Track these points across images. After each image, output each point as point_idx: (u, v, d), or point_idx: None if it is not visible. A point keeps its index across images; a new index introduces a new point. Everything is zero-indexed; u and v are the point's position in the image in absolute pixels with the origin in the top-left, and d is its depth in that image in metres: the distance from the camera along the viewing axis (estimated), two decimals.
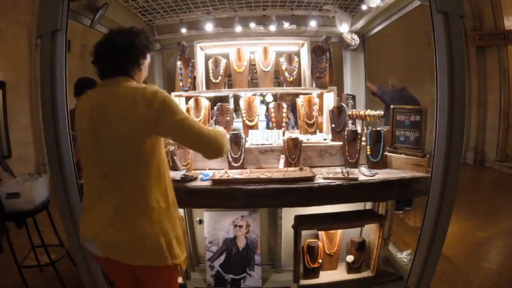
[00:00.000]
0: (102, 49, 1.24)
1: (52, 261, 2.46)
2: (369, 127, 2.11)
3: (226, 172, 1.94)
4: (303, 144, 2.07)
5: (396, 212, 3.76)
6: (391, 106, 2.17)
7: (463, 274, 2.55)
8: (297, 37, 2.83)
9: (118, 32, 1.25)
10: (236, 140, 2.06)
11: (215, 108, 2.50)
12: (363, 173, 1.89)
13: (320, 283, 2.06)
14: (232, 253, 2.11)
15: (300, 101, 2.50)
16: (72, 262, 2.63)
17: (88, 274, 1.78)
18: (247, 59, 2.43)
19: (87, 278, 1.78)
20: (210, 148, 1.23)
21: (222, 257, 2.12)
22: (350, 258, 2.08)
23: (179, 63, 2.43)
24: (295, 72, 2.42)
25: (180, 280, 2.05)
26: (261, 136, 2.26)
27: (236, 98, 4.76)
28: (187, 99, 2.52)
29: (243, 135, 2.08)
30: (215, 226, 2.12)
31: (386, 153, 2.09)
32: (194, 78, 2.44)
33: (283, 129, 2.41)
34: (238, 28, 4.22)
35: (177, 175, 1.88)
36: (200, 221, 2.23)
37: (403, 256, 2.42)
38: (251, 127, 2.43)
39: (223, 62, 2.41)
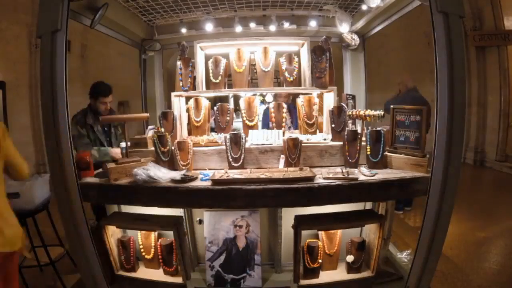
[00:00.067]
0: None
1: (52, 261, 2.47)
2: (369, 127, 2.10)
3: (226, 172, 1.94)
4: (303, 144, 2.07)
5: (396, 212, 3.76)
6: (391, 106, 2.17)
7: (463, 274, 2.55)
8: (297, 37, 2.83)
9: None
10: (236, 140, 2.06)
11: (215, 108, 2.50)
12: (363, 173, 1.89)
13: (320, 283, 2.06)
14: (232, 253, 2.11)
15: (300, 101, 2.50)
16: (72, 262, 2.64)
17: (88, 274, 1.78)
18: (247, 59, 2.42)
19: (87, 278, 1.79)
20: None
21: (222, 257, 2.12)
22: (350, 258, 2.08)
23: (179, 63, 2.43)
24: (295, 72, 2.42)
25: (180, 280, 2.06)
26: (261, 136, 2.26)
27: (236, 98, 4.77)
28: (187, 99, 2.52)
29: (243, 135, 2.08)
30: (215, 226, 2.12)
31: (386, 153, 2.09)
32: (194, 78, 2.44)
33: (283, 129, 2.41)
34: (238, 28, 4.22)
35: (177, 175, 1.88)
36: (200, 221, 2.23)
37: (403, 256, 2.42)
38: (251, 127, 2.43)
39: (223, 62, 2.41)
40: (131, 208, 2.19)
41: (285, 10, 4.14)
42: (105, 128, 2.82)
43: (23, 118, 5.52)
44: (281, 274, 2.22)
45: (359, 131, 2.11)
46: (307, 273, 2.07)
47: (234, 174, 1.91)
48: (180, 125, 2.43)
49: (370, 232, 2.14)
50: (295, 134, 2.40)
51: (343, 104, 2.34)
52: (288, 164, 2.03)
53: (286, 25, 4.22)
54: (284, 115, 2.48)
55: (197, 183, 1.82)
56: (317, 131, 2.48)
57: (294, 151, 2.04)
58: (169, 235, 2.08)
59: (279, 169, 2.02)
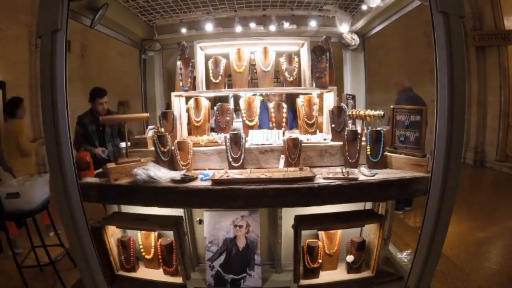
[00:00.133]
0: None
1: (52, 261, 2.47)
2: (369, 127, 2.10)
3: (226, 172, 1.94)
4: (303, 144, 2.07)
5: (396, 212, 3.76)
6: (391, 106, 2.17)
7: (463, 274, 2.56)
8: (297, 37, 2.83)
9: None
10: (236, 140, 2.06)
11: (215, 108, 2.50)
12: (363, 173, 1.89)
13: (320, 283, 2.06)
14: (232, 253, 2.11)
15: (300, 101, 2.50)
16: (72, 262, 2.64)
17: (88, 274, 1.78)
18: (247, 59, 2.42)
19: (87, 278, 1.79)
20: None
21: (222, 257, 2.12)
22: (350, 258, 2.08)
23: (179, 63, 2.43)
24: (295, 72, 2.42)
25: (180, 280, 2.06)
26: (261, 136, 2.26)
27: (236, 98, 4.76)
28: (187, 99, 2.52)
29: (243, 135, 2.08)
30: (215, 226, 2.12)
31: (386, 153, 2.09)
32: (194, 78, 2.44)
33: (283, 129, 2.41)
34: (238, 28, 4.22)
35: (177, 175, 1.88)
36: (200, 221, 2.23)
37: (403, 256, 2.42)
38: (251, 127, 2.43)
39: (223, 62, 2.41)
40: (131, 208, 2.19)
41: (285, 10, 4.14)
42: (100, 128, 3.16)
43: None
44: (281, 274, 2.22)
45: (359, 131, 2.11)
46: (307, 273, 2.07)
47: (234, 174, 1.91)
48: (180, 125, 2.43)
49: (370, 232, 2.14)
50: (295, 134, 2.40)
51: (343, 104, 2.34)
52: (288, 164, 2.03)
53: (286, 25, 4.23)
54: (284, 115, 2.48)
55: (197, 183, 1.82)
56: (317, 131, 2.48)
57: (294, 151, 2.04)
58: (169, 235, 2.08)
59: (279, 169, 2.02)
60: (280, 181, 1.77)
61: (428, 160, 1.88)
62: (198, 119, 2.44)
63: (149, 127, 2.52)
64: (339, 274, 2.13)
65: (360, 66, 4.65)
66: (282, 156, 2.08)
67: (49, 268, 2.48)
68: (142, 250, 2.17)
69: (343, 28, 4.19)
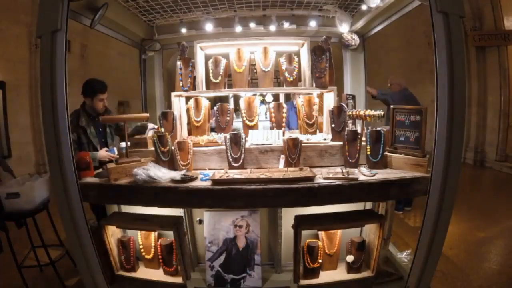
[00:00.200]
0: None
1: (52, 261, 2.46)
2: (369, 127, 2.11)
3: (226, 172, 1.94)
4: (303, 144, 2.07)
5: (396, 212, 3.76)
6: (391, 106, 2.17)
7: (463, 274, 2.55)
8: (297, 37, 2.83)
9: None
10: (236, 140, 2.06)
11: (215, 108, 2.50)
12: (363, 173, 1.89)
13: (320, 283, 2.06)
14: (232, 253, 2.11)
15: (300, 101, 2.50)
16: (72, 262, 2.64)
17: (88, 274, 1.78)
18: (247, 59, 2.43)
19: (87, 278, 1.79)
20: None
21: (222, 257, 2.12)
22: (350, 258, 2.08)
23: (179, 63, 2.43)
24: (295, 72, 2.42)
25: (180, 280, 2.06)
26: (261, 136, 2.26)
27: (236, 98, 4.77)
28: (187, 99, 2.52)
29: (243, 135, 2.08)
30: (215, 226, 2.12)
31: (386, 153, 2.09)
32: (194, 78, 2.44)
33: (282, 129, 2.41)
34: (238, 28, 4.23)
35: (177, 175, 1.88)
36: (200, 221, 2.23)
37: (403, 256, 2.42)
38: (251, 127, 2.43)
39: (223, 62, 2.41)
40: (131, 208, 2.19)
41: (285, 10, 4.14)
42: (100, 129, 2.62)
43: (23, 118, 5.51)
44: (281, 274, 2.22)
45: (359, 131, 2.11)
46: (307, 273, 2.07)
47: (234, 174, 1.91)
48: (180, 125, 2.43)
49: (370, 232, 2.14)
50: (295, 134, 2.40)
51: (343, 104, 2.34)
52: (288, 164, 2.03)
53: (286, 25, 4.23)
54: (284, 115, 2.48)
55: (197, 183, 1.82)
56: (317, 131, 2.48)
57: (294, 151, 2.04)
58: (169, 235, 2.08)
59: (279, 169, 2.02)
60: (280, 181, 1.77)
61: (428, 160, 1.88)
62: (198, 119, 2.44)
63: (149, 127, 2.52)
64: (339, 274, 2.13)
65: (360, 66, 4.65)
66: (282, 156, 2.08)
67: (49, 268, 2.48)
68: (142, 250, 2.17)
69: (343, 28, 4.19)
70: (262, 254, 2.13)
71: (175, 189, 1.79)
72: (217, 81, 2.39)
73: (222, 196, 1.76)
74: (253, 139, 2.23)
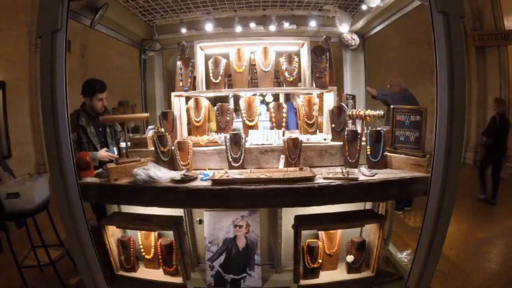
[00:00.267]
0: None
1: (52, 261, 2.46)
2: (369, 127, 2.11)
3: (226, 172, 1.94)
4: (303, 144, 2.07)
5: (396, 212, 3.76)
6: (391, 106, 2.17)
7: (463, 274, 2.56)
8: (297, 37, 2.83)
9: None
10: (236, 140, 2.06)
11: (215, 108, 2.50)
12: (363, 173, 1.89)
13: (320, 283, 2.06)
14: (232, 253, 2.11)
15: (300, 101, 2.50)
16: (72, 262, 2.64)
17: (88, 274, 1.78)
18: (247, 59, 2.43)
19: (87, 278, 1.79)
20: None
21: (222, 257, 2.12)
22: (350, 258, 2.08)
23: (179, 63, 2.43)
24: (295, 72, 2.42)
25: (180, 280, 2.06)
26: (261, 136, 2.26)
27: (236, 98, 4.77)
28: (187, 99, 2.52)
29: (243, 135, 2.08)
30: (215, 226, 2.12)
31: (386, 153, 2.09)
32: (194, 78, 2.44)
33: (283, 129, 2.41)
34: (238, 28, 4.23)
35: (177, 175, 1.88)
36: (200, 221, 2.23)
37: (403, 256, 2.42)
38: (251, 127, 2.43)
39: (223, 62, 2.41)
40: (131, 208, 2.19)
41: (285, 10, 4.15)
42: (100, 129, 2.61)
43: (23, 118, 5.52)
44: (281, 274, 2.22)
45: (359, 131, 2.11)
46: (307, 273, 2.07)
47: (234, 174, 1.91)
48: (180, 125, 2.43)
49: (370, 232, 2.14)
50: (295, 134, 2.40)
51: (343, 104, 2.34)
52: (288, 164, 2.03)
53: (286, 25, 4.23)
54: (284, 115, 2.48)
55: (197, 183, 1.82)
56: (317, 131, 2.48)
57: (294, 151, 2.04)
58: (169, 235, 2.08)
59: (279, 169, 2.02)
60: (280, 181, 1.77)
61: (428, 160, 1.88)
62: (198, 119, 2.44)
63: (149, 127, 2.52)
64: (339, 274, 2.13)
65: (360, 66, 4.65)
66: (282, 156, 2.08)
67: (49, 268, 2.48)
68: (142, 250, 2.17)
69: (343, 28, 4.19)
70: (262, 254, 2.13)
71: (175, 189, 1.79)
72: (217, 81, 2.39)
73: (222, 196, 1.76)
74: (253, 139, 2.23)
